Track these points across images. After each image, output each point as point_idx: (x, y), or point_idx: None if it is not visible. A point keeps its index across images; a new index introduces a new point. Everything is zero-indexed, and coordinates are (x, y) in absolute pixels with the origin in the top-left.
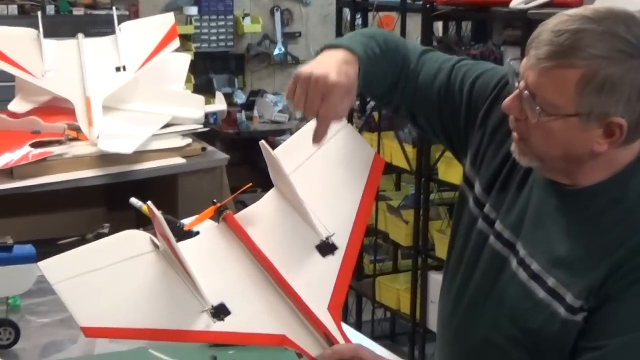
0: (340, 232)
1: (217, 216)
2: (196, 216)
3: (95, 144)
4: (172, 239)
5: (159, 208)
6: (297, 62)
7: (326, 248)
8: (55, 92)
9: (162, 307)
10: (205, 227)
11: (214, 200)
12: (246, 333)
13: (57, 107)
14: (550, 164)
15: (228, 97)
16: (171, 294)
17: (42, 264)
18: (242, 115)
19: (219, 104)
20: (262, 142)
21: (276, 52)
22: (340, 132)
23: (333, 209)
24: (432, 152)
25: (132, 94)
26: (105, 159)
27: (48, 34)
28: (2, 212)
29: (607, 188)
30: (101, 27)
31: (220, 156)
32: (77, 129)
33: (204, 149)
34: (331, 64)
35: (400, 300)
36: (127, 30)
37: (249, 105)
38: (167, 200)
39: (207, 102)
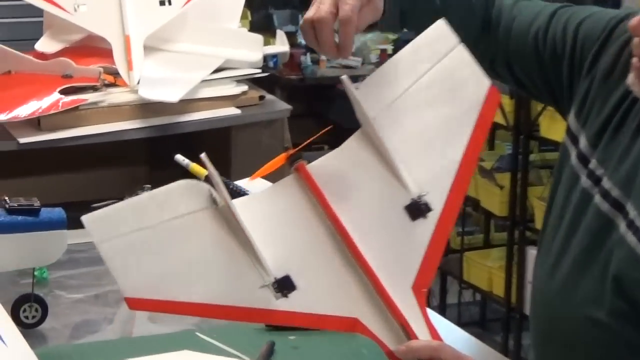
0: (437, 189)
1: (289, 165)
2: (264, 166)
3: (136, 91)
4: (229, 199)
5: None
6: None
7: (417, 209)
8: (90, 29)
9: (217, 278)
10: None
11: (286, 146)
12: (313, 314)
13: (91, 47)
14: None
15: (291, 37)
16: (228, 262)
17: (86, 217)
18: (307, 58)
19: (281, 45)
20: (344, 77)
21: None
22: (449, 54)
23: (429, 160)
24: (532, 104)
25: (178, 33)
26: (147, 108)
27: None
28: (28, 170)
29: None
30: None
31: (282, 106)
32: (115, 73)
33: (262, 97)
34: None
35: (492, 280)
36: None
37: None
38: (218, 157)
39: (267, 43)
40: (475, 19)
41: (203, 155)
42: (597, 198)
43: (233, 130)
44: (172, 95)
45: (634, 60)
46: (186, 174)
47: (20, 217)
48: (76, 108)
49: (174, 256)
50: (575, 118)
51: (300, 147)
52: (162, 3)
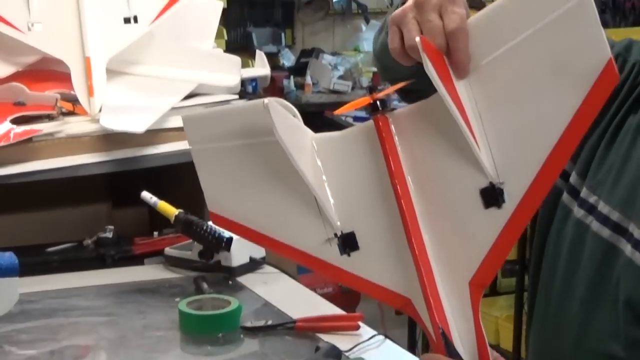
0: (517, 179)
1: (369, 112)
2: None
3: (97, 120)
4: (284, 139)
5: (178, 204)
6: (364, 11)
7: (493, 196)
8: (45, 50)
9: (285, 217)
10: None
11: (370, 87)
12: (368, 281)
13: (47, 71)
14: None
15: (272, 58)
16: (296, 201)
17: (185, 116)
18: (290, 83)
19: (261, 67)
20: (418, 41)
21: None
22: (570, 8)
23: (517, 140)
24: None
25: (145, 54)
26: (110, 139)
27: None
28: None
29: None
30: None
31: None
32: (74, 100)
33: None
34: None
35: (499, 332)
36: None
37: (299, 69)
38: (190, 195)
39: (245, 65)
40: None
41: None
42: (595, 225)
43: None
44: (137, 125)
45: None
46: (154, 213)
47: None
48: (29, 139)
49: (251, 181)
50: None
51: (387, 90)
52: (126, 21)
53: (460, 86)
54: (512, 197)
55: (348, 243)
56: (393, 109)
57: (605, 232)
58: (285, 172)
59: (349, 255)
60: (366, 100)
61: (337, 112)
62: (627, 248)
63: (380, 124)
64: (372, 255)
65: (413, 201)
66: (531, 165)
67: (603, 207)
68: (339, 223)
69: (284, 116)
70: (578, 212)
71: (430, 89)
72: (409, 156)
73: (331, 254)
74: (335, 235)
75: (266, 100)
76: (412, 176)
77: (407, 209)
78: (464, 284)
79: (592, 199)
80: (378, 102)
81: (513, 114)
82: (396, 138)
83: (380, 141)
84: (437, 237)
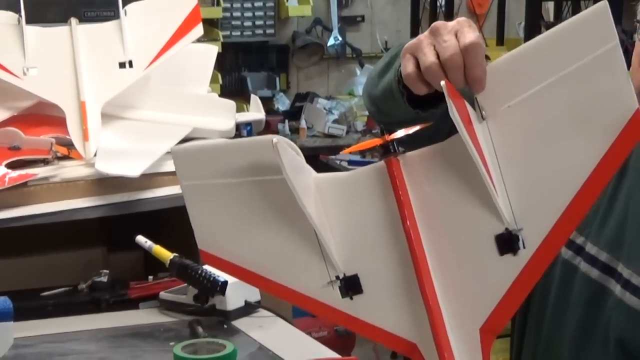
0: (535, 226)
1: (381, 154)
2: (360, 143)
3: (92, 164)
4: (292, 179)
5: (173, 248)
6: (358, 55)
7: (508, 243)
8: (40, 95)
9: (287, 260)
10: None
11: (382, 128)
12: (372, 325)
13: (42, 116)
14: None
15: (267, 103)
16: (298, 242)
17: (175, 149)
18: (285, 127)
19: (255, 112)
20: (445, 83)
21: (331, 42)
22: (597, 53)
23: (536, 189)
24: None
25: (140, 99)
26: (105, 184)
27: (32, 18)
28: None
29: None
30: (101, 8)
31: None
32: (69, 144)
33: None
34: None
35: None
36: (134, 13)
37: (294, 113)
38: (184, 239)
39: (239, 109)
40: None
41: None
42: (584, 266)
43: None
44: (132, 169)
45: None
46: (149, 257)
47: None
48: (24, 184)
49: (249, 220)
50: None
51: (397, 134)
52: (122, 65)
53: (479, 130)
54: (529, 244)
55: (351, 286)
56: (404, 151)
57: (594, 273)
58: (286, 211)
59: (351, 298)
60: (379, 141)
61: (348, 150)
62: (617, 288)
63: (393, 165)
64: (377, 299)
65: (424, 244)
66: (551, 213)
67: (591, 248)
68: (341, 265)
69: (291, 156)
70: (566, 253)
71: (436, 133)
72: (419, 199)
73: (333, 296)
74: (338, 277)
75: (274, 138)
76: (424, 219)
77: (418, 252)
78: (475, 330)
79: (579, 240)
80: (390, 144)
81: (534, 160)
82: (407, 181)
83: (392, 183)
84: (448, 282)
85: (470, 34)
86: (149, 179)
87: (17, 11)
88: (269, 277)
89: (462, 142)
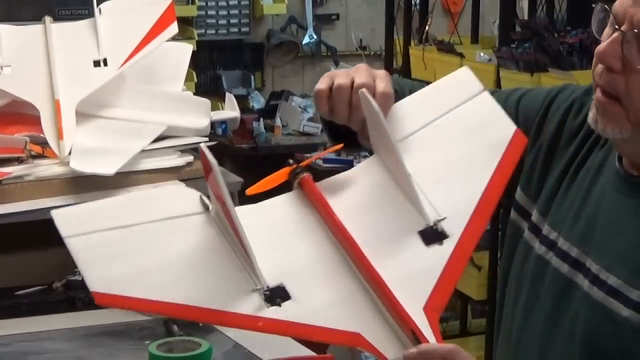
0: (455, 217)
1: (291, 180)
2: (264, 180)
3: (67, 163)
4: (229, 199)
5: None
6: (333, 53)
7: (432, 235)
8: (14, 93)
9: (202, 281)
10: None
11: (290, 161)
12: (309, 325)
13: (16, 114)
14: None
15: (242, 101)
16: (216, 265)
17: (55, 212)
18: (260, 125)
19: (230, 110)
20: (363, 91)
21: (306, 40)
22: (473, 99)
23: (449, 190)
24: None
25: (115, 97)
26: (80, 182)
27: (6, 17)
28: None
29: None
30: (75, 7)
31: (232, 179)
32: (43, 143)
33: None
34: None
35: None
36: (109, 11)
37: (269, 112)
38: None
39: (214, 108)
40: None
41: (203, 146)
42: (555, 261)
43: None
44: (107, 167)
45: (598, 95)
46: None
47: None
48: None
49: (153, 256)
50: (523, 192)
51: (306, 161)
52: (96, 64)
53: (402, 144)
54: (453, 232)
55: (277, 294)
56: (313, 169)
57: (564, 268)
58: (197, 242)
59: (279, 305)
60: (285, 172)
61: (250, 191)
62: (585, 283)
63: (307, 181)
64: (309, 302)
65: (358, 243)
66: (466, 207)
67: (563, 244)
68: (265, 278)
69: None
70: (539, 248)
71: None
72: (341, 209)
73: (259, 306)
74: (262, 289)
75: (214, 165)
76: (348, 224)
77: (354, 250)
78: (420, 310)
79: (552, 236)
80: (297, 170)
81: (445, 170)
82: (328, 196)
83: (310, 194)
84: (387, 273)
85: (382, 84)
86: (124, 177)
87: None
88: (182, 303)
89: (372, 167)
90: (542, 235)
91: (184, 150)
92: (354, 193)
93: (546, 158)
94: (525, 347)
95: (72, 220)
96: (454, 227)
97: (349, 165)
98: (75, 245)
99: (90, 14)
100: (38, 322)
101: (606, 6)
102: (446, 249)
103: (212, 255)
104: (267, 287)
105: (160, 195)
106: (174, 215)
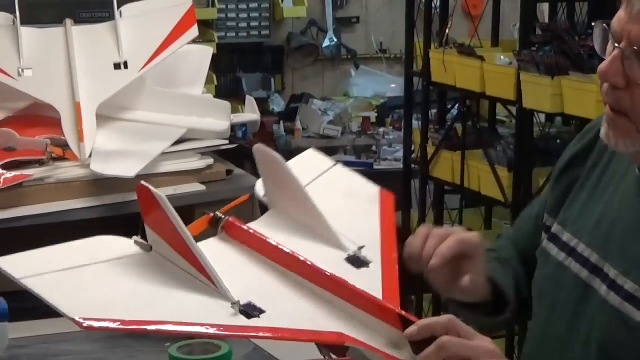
0: (369, 246)
1: (214, 225)
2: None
3: (87, 165)
4: (182, 227)
5: None
6: (353, 56)
7: (357, 260)
8: (35, 95)
9: (175, 302)
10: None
11: (205, 211)
12: (294, 329)
13: (37, 116)
14: None
15: (262, 104)
16: (183, 289)
17: (1, 259)
18: (280, 128)
19: (250, 112)
20: (257, 147)
21: (326, 43)
22: (330, 170)
23: (352, 227)
24: (534, 177)
25: (135, 99)
26: (100, 184)
27: (27, 19)
28: None
29: None
30: (96, 9)
31: (251, 181)
32: (64, 145)
33: (229, 171)
34: None
35: None
36: (129, 14)
37: (289, 114)
38: None
39: (234, 110)
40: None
41: (143, 182)
42: (575, 266)
43: (196, 208)
44: (127, 169)
45: (607, 111)
46: None
47: None
48: (19, 184)
49: (118, 286)
50: (547, 214)
51: (226, 207)
52: (117, 66)
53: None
54: (374, 258)
55: (252, 309)
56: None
57: (584, 273)
58: (165, 273)
59: (258, 317)
60: (204, 220)
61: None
62: (602, 288)
63: (234, 222)
64: (280, 312)
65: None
66: (373, 237)
67: (584, 250)
68: (235, 297)
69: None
70: (559, 254)
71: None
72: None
73: (241, 320)
74: (238, 303)
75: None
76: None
77: (305, 263)
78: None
79: (573, 242)
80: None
81: (340, 215)
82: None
83: (242, 233)
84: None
85: None
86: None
87: (12, 12)
88: (167, 320)
89: (277, 216)
90: (561, 242)
91: (204, 152)
92: (274, 234)
93: (567, 181)
94: (547, 352)
95: (20, 265)
96: (372, 254)
97: (369, 167)
98: (34, 284)
99: (111, 17)
100: (58, 323)
101: (604, 24)
102: (375, 270)
103: (176, 281)
104: (239, 302)
105: (95, 243)
106: (119, 256)
